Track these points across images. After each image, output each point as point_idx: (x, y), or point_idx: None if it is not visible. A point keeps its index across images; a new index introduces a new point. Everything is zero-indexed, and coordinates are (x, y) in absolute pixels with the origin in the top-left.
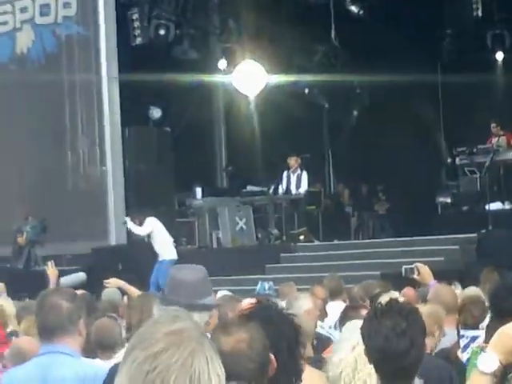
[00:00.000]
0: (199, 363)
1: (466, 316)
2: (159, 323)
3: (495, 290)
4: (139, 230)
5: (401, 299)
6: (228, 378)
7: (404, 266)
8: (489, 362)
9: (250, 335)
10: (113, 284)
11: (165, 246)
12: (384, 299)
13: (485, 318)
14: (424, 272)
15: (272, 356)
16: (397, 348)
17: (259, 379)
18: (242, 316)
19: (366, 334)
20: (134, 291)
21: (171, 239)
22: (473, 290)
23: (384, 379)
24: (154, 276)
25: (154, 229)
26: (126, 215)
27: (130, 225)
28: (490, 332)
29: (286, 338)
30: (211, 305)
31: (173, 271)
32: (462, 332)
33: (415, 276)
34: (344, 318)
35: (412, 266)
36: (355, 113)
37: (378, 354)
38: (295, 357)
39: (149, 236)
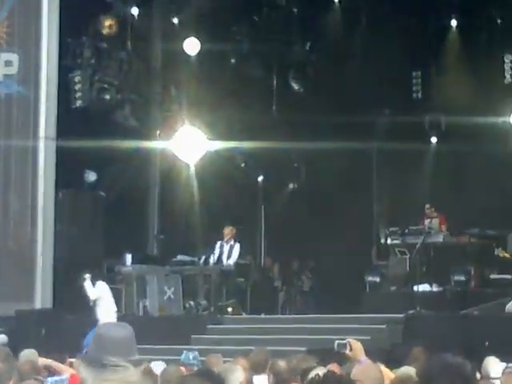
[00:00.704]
0: None
1: None
2: (106, 376)
3: (423, 372)
4: (91, 293)
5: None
6: None
7: (337, 341)
8: None
9: None
10: (41, 362)
11: (108, 312)
12: (320, 372)
13: None
14: (356, 348)
15: None
16: None
17: None
18: (202, 373)
19: None
20: (65, 369)
21: (115, 307)
22: (405, 370)
23: None
24: (88, 340)
25: (102, 294)
26: (86, 273)
27: (88, 284)
28: None
29: None
30: (138, 362)
31: (100, 328)
32: None
33: (347, 351)
34: None
35: (344, 341)
36: (290, 186)
37: None
38: None
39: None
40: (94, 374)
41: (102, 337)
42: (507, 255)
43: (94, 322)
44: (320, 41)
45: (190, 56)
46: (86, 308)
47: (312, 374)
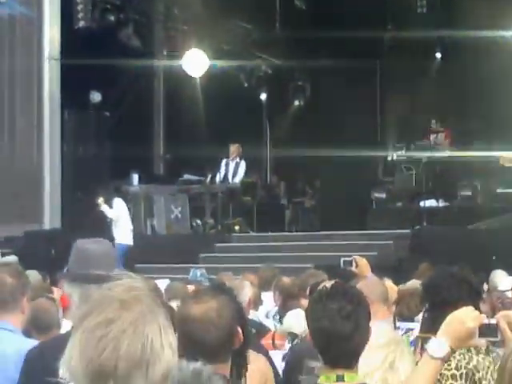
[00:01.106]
0: (152, 331)
1: (403, 308)
2: (112, 290)
3: (430, 280)
4: (111, 213)
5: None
6: (195, 344)
7: (342, 258)
8: (439, 347)
9: (220, 305)
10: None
11: (125, 230)
12: (327, 284)
13: (420, 311)
14: (362, 264)
15: (239, 328)
16: (341, 331)
17: (224, 349)
18: (213, 287)
19: (311, 316)
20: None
21: (131, 225)
22: (411, 283)
23: (328, 363)
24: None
25: (121, 212)
26: (98, 197)
27: (104, 207)
28: (426, 323)
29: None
30: (120, 276)
31: (78, 244)
32: (397, 323)
33: (353, 268)
34: (284, 308)
35: (350, 258)
36: (296, 103)
37: (322, 336)
38: (247, 339)
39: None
40: (79, 290)
41: (81, 252)
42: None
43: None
44: None
45: None
46: (95, 227)
47: (320, 287)
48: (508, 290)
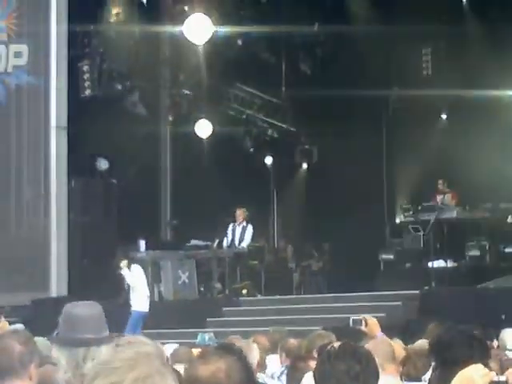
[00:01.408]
0: None
1: (410, 368)
2: (120, 352)
3: (438, 338)
4: (130, 278)
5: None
6: None
7: (352, 317)
8: None
9: (228, 365)
10: None
11: (142, 297)
12: (335, 344)
13: (427, 370)
14: (371, 323)
15: None
16: None
17: None
18: (222, 347)
19: (319, 377)
20: None
21: (148, 292)
22: (419, 343)
23: None
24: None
25: (139, 278)
26: (119, 259)
27: (125, 270)
28: (434, 381)
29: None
30: (109, 339)
31: (67, 308)
32: (404, 383)
33: (363, 327)
34: (292, 369)
35: (359, 317)
36: (304, 166)
37: None
38: None
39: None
40: (67, 354)
41: (69, 316)
42: None
43: (127, 307)
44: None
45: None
46: (103, 295)
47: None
48: None
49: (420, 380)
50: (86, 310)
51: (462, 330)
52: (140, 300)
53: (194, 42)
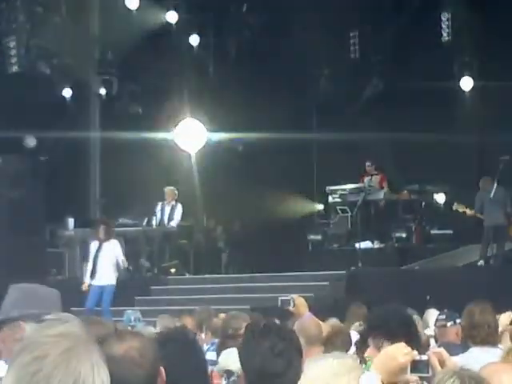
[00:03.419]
0: (84, 368)
1: (329, 347)
2: (46, 327)
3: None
4: (114, 252)
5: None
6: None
7: (280, 298)
8: (371, 381)
9: (142, 344)
10: None
11: (116, 271)
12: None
13: (348, 350)
14: (299, 303)
15: (162, 369)
16: (274, 368)
17: None
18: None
19: (244, 355)
20: None
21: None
22: (333, 322)
23: None
24: (92, 302)
25: (119, 251)
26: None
27: (108, 244)
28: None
29: (194, 365)
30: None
31: (23, 286)
32: None
33: (290, 308)
34: (221, 347)
35: (288, 297)
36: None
37: (255, 374)
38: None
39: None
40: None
41: (38, 294)
42: (468, 211)
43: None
44: None
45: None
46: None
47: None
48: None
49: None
50: (48, 289)
51: (398, 308)
52: (114, 274)
53: None
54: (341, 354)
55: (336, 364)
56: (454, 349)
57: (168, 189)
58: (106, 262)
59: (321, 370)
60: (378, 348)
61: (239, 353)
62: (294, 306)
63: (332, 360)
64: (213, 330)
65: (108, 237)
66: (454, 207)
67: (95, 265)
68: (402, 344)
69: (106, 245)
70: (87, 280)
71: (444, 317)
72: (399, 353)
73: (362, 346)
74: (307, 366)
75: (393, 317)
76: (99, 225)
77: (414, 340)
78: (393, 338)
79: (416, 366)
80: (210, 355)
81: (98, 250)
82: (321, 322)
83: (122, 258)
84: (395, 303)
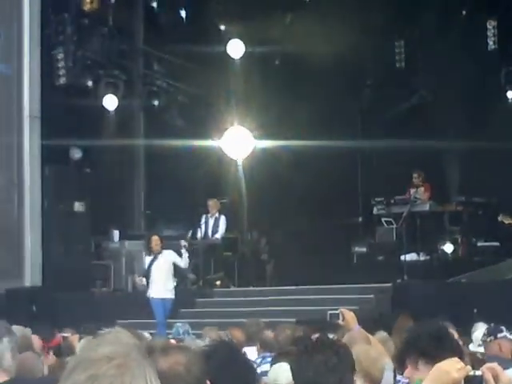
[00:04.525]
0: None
1: None
2: (99, 345)
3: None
4: (176, 263)
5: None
6: None
7: (329, 312)
8: None
9: (188, 359)
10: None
11: (173, 280)
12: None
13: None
14: (349, 317)
15: (208, 382)
16: (327, 382)
17: None
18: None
19: (296, 368)
20: None
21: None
22: (382, 335)
23: None
24: (161, 315)
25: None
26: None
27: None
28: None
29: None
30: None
31: None
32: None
33: (340, 321)
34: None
35: (337, 311)
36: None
37: None
38: None
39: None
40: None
41: None
42: None
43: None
44: None
45: None
46: (75, 284)
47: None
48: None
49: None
50: None
51: (431, 322)
52: (173, 285)
53: None
54: None
55: None
56: (502, 363)
57: (212, 201)
58: (163, 273)
59: None
60: (415, 367)
61: (291, 366)
62: (343, 319)
63: None
64: (262, 342)
65: (161, 248)
66: (500, 218)
67: (152, 277)
68: (456, 359)
69: (160, 256)
70: (148, 294)
71: (486, 332)
72: (453, 368)
73: (400, 366)
74: None
75: (423, 332)
76: (151, 237)
77: (449, 355)
78: (426, 354)
79: (470, 382)
80: (265, 367)
81: (152, 263)
82: (370, 336)
83: (181, 261)
84: (440, 317)
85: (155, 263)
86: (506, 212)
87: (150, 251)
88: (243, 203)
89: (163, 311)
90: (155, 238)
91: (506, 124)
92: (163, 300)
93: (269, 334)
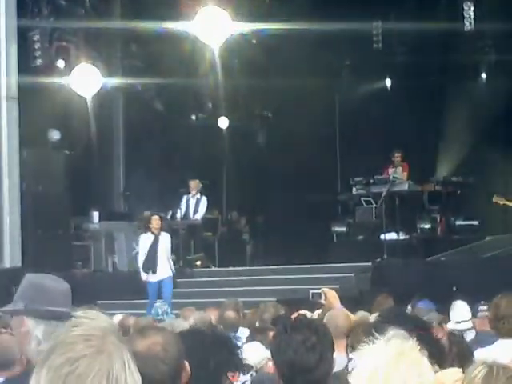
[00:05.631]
0: (117, 367)
1: (353, 340)
2: (77, 327)
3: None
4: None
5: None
6: (142, 380)
7: (311, 291)
8: None
9: (165, 339)
10: None
11: (170, 262)
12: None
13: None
14: (330, 296)
15: (186, 363)
16: (306, 362)
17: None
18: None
19: (276, 348)
20: None
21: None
22: (362, 314)
23: None
24: (154, 298)
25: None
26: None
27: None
28: None
29: (216, 360)
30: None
31: (36, 279)
32: (350, 355)
33: (322, 300)
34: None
35: (319, 290)
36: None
37: (287, 367)
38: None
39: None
40: (43, 327)
41: (42, 288)
42: (510, 203)
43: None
44: None
45: None
46: (55, 265)
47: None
48: (466, 321)
49: None
50: (58, 283)
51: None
52: (169, 266)
53: None
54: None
55: (393, 347)
56: (492, 340)
57: (193, 182)
58: (162, 254)
59: (377, 357)
60: None
61: (271, 345)
62: (325, 298)
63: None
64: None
65: (161, 229)
66: (494, 199)
67: (152, 258)
68: (455, 369)
69: (160, 237)
70: (144, 276)
71: (486, 307)
72: (451, 378)
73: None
74: (359, 359)
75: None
76: (151, 216)
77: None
78: None
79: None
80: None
81: (154, 243)
82: (350, 315)
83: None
84: (419, 294)
85: (156, 244)
86: (499, 193)
87: (147, 230)
88: (222, 184)
89: (157, 294)
90: (156, 218)
91: (481, 103)
92: (161, 281)
93: (248, 313)
